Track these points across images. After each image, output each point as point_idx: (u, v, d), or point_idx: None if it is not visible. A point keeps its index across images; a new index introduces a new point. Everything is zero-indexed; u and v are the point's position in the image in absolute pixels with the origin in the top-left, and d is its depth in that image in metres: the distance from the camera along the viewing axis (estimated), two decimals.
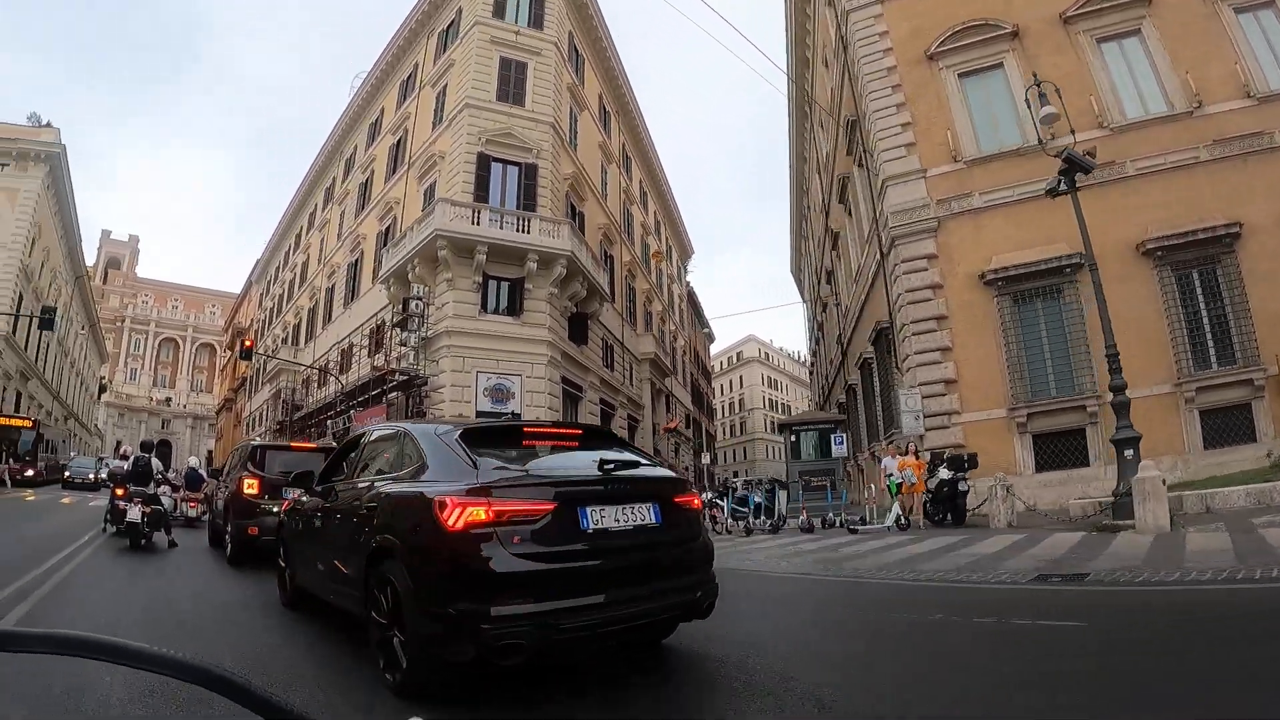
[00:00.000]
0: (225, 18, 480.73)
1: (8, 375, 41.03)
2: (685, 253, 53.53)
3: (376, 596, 3.97)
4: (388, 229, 29.17)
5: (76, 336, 62.24)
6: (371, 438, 5.51)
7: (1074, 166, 11.82)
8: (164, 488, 13.57)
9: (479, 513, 3.52)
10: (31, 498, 23.26)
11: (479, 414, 21.80)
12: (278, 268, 52.59)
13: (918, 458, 15.20)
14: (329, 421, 30.50)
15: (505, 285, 23.72)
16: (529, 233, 23.61)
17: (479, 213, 23.13)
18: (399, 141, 30.81)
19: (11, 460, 30.09)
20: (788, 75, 40.99)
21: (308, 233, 44.39)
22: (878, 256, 20.11)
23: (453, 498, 3.60)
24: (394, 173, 30.33)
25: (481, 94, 25.94)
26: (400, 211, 28.21)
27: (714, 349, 70.00)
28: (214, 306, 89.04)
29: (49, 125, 42.32)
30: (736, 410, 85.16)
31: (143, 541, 10.68)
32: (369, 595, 4.07)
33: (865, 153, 21.10)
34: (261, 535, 9.18)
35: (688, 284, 53.66)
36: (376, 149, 33.42)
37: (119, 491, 11.71)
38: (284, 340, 42.29)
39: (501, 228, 23.27)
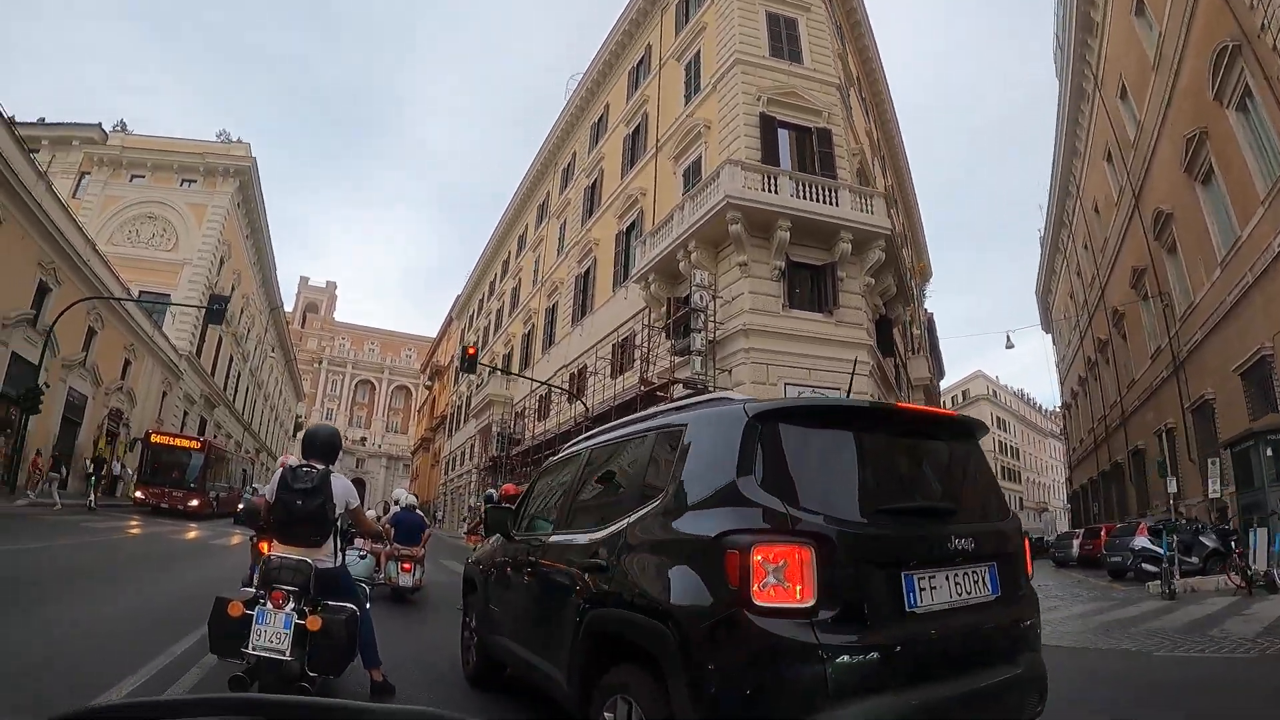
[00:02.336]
0: (390, 92, 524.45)
1: (190, 399, 39.85)
2: (926, 272, 46.50)
3: None
4: (631, 225, 24.66)
5: (271, 370, 62.57)
6: None
7: None
8: (359, 542, 7.47)
9: None
10: (193, 534, 18.57)
11: None
12: (481, 299, 50.80)
13: None
14: (551, 459, 25.96)
15: (808, 274, 18.23)
16: (837, 205, 18.10)
17: (774, 179, 17.85)
18: (636, 129, 26.53)
19: (172, 489, 25.23)
20: (1062, 50, 34.71)
21: (518, 256, 41.71)
22: None
23: None
24: (633, 164, 25.98)
25: (752, 49, 21.02)
26: (649, 201, 23.59)
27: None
28: (409, 350, 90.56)
29: (239, 141, 41.20)
30: None
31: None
32: None
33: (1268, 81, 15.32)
34: None
35: (927, 310, 46.46)
36: (605, 146, 29.41)
37: (262, 547, 5.92)
38: (491, 372, 39.01)
39: (803, 198, 17.92)
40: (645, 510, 3.25)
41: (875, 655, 2.53)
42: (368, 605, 4.87)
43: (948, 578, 2.85)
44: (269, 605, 3.87)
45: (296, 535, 4.33)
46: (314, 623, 3.87)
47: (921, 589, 2.75)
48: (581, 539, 3.73)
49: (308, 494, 4.29)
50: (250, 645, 3.78)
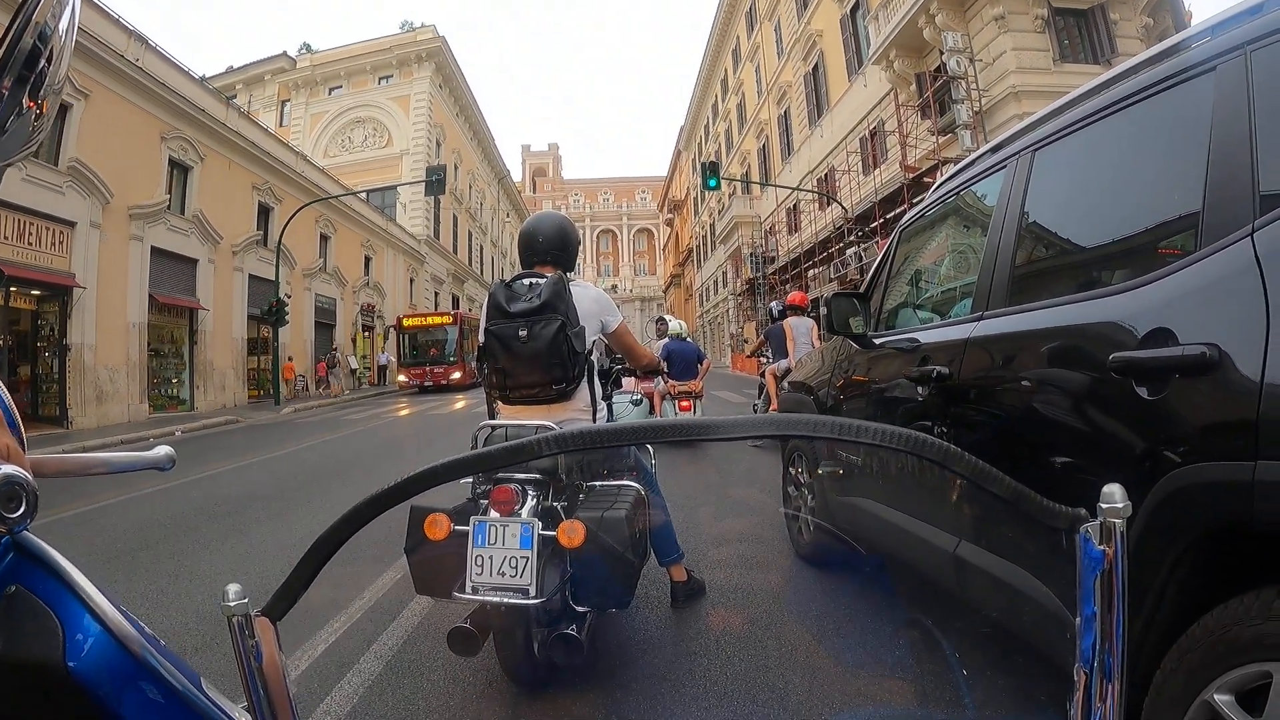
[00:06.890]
0: None
1: (438, 280, 41.60)
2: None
3: None
4: (855, 5, 22.80)
5: (512, 237, 65.02)
6: None
7: None
8: (627, 383, 6.07)
9: None
10: (461, 404, 18.11)
11: None
12: (706, 124, 50.35)
13: None
14: (810, 271, 25.99)
15: (1075, 20, 16.12)
16: None
17: None
18: None
19: (433, 366, 26.06)
20: None
21: (736, 71, 40.52)
22: None
23: None
24: None
25: None
26: None
27: None
28: (643, 191, 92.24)
29: (423, 26, 41.60)
30: None
31: None
32: None
33: None
34: None
35: None
36: None
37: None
38: (732, 193, 39.11)
39: None
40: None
41: None
42: (653, 469, 3.20)
43: None
44: (491, 513, 2.31)
45: (526, 388, 2.72)
46: (573, 532, 2.25)
47: None
48: (1113, 308, 1.65)
49: (534, 318, 2.61)
50: (468, 581, 2.23)
